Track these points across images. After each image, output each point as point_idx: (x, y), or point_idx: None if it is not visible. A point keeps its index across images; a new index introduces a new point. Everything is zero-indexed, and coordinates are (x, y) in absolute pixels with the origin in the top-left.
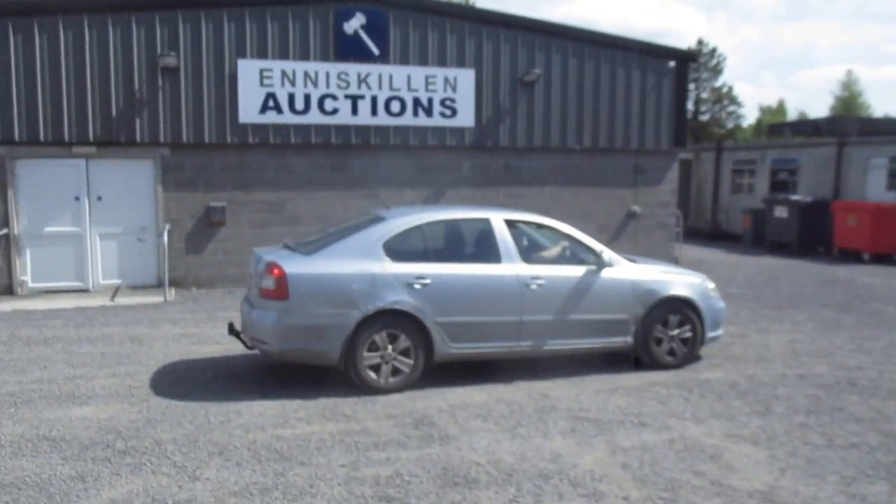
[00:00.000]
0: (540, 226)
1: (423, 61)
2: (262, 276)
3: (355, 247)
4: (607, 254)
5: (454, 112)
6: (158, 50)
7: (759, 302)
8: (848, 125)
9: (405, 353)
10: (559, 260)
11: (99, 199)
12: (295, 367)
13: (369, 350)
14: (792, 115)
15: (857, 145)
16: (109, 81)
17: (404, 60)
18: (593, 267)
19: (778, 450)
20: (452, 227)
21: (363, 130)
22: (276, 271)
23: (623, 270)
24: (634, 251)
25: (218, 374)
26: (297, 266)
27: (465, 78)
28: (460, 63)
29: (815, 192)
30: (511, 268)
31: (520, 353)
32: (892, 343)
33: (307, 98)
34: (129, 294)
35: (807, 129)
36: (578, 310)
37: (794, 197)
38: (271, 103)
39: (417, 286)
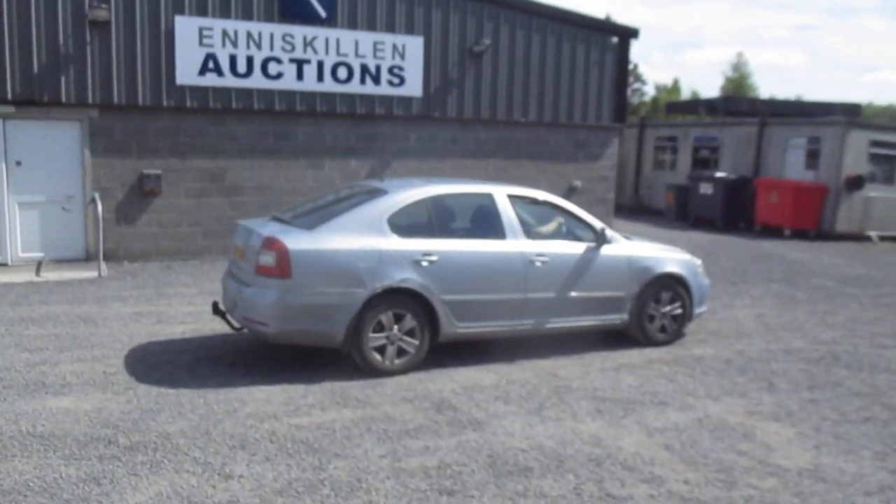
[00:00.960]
0: (540, 201)
1: (371, 26)
2: (260, 252)
3: (360, 221)
4: (608, 231)
5: (402, 80)
6: (87, 0)
7: (710, 277)
8: (740, 104)
9: (410, 333)
10: (559, 236)
11: (18, 164)
12: (283, 348)
13: (375, 331)
14: (685, 94)
15: (778, 125)
16: (31, 34)
17: (352, 25)
18: (593, 244)
19: (802, 426)
20: (456, 201)
21: (308, 97)
22: (277, 247)
23: (621, 247)
24: None
25: (199, 356)
26: (299, 241)
27: (414, 46)
28: (409, 30)
29: (736, 169)
30: (516, 244)
31: (522, 331)
32: (850, 317)
33: (250, 60)
34: (56, 269)
35: (698, 107)
36: (579, 287)
37: (719, 174)
38: (211, 65)
39: (424, 263)
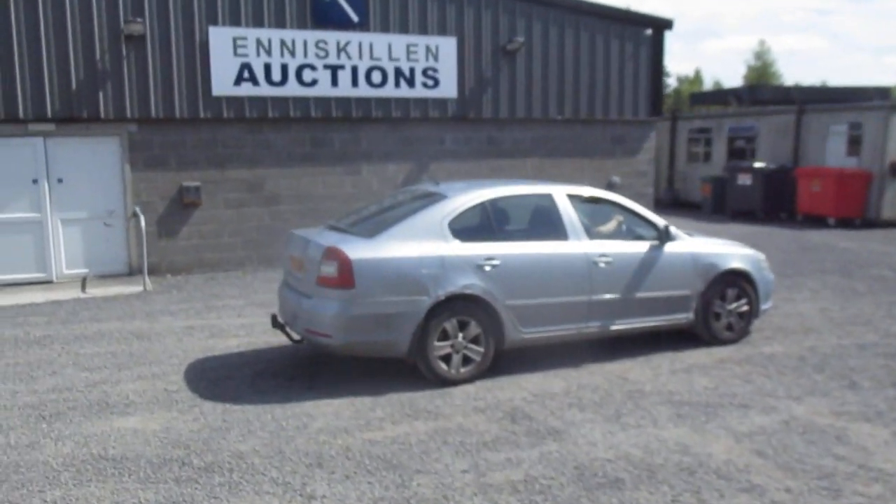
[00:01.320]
0: (599, 199)
1: (403, 29)
2: (321, 263)
3: (420, 227)
4: (672, 228)
5: (436, 82)
6: (122, 15)
7: None
8: (765, 93)
9: (475, 340)
10: (619, 235)
11: (60, 181)
12: (342, 360)
13: (439, 339)
14: (707, 84)
15: (817, 112)
16: (68, 51)
17: (384, 28)
18: (656, 242)
19: (895, 426)
20: (515, 203)
21: (344, 102)
22: (339, 257)
23: (684, 245)
24: None
25: (258, 370)
26: (361, 250)
27: (447, 46)
28: (442, 31)
29: (774, 159)
30: (578, 245)
31: (588, 334)
32: None
33: (284, 68)
34: (100, 284)
35: (725, 97)
36: (644, 287)
37: (758, 164)
38: (246, 74)
39: (487, 268)
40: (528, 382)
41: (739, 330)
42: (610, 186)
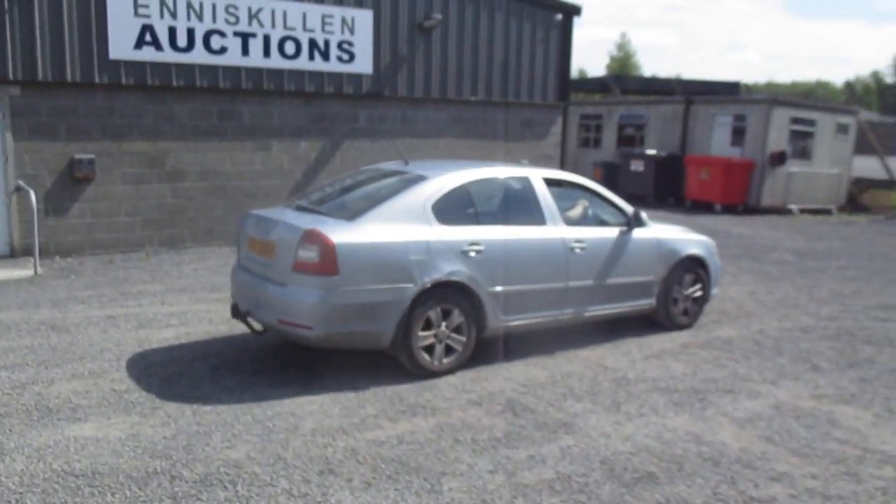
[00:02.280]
0: (571, 184)
1: None
2: (298, 247)
3: (404, 210)
4: (642, 213)
5: (352, 57)
6: None
7: None
8: (629, 82)
9: (457, 329)
10: (590, 220)
11: None
12: (303, 351)
13: (423, 329)
14: (573, 73)
15: (704, 104)
16: None
17: None
18: (625, 227)
19: (873, 408)
20: (495, 185)
21: (254, 73)
22: (322, 241)
23: (649, 231)
24: None
25: (213, 365)
26: (344, 234)
27: (364, 19)
28: (358, 3)
29: (662, 147)
30: (556, 231)
31: (563, 321)
32: (833, 292)
33: (191, 33)
34: None
35: (594, 85)
36: (615, 273)
37: (650, 151)
38: (148, 37)
39: (472, 254)
40: (510, 372)
41: (694, 314)
42: None
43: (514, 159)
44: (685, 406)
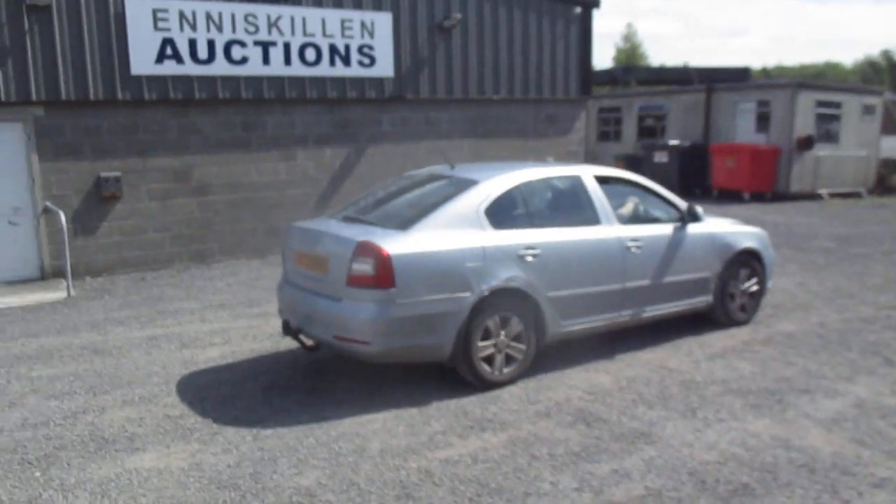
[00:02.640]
0: (622, 180)
1: (337, 3)
2: (353, 260)
3: (456, 216)
4: (697, 208)
5: (373, 61)
6: None
7: None
8: (639, 73)
9: (517, 338)
10: (645, 218)
11: None
12: (356, 367)
13: (482, 339)
14: None
15: (726, 91)
16: None
17: (317, 1)
18: (679, 223)
19: None
20: (547, 186)
21: (276, 82)
22: (376, 253)
23: (703, 226)
24: None
25: (265, 384)
26: (398, 245)
27: (383, 22)
28: (377, 6)
29: (684, 137)
30: (611, 230)
31: (620, 323)
32: (886, 279)
33: (211, 44)
34: (11, 292)
35: (603, 78)
36: (671, 271)
37: (672, 142)
38: (169, 51)
39: (529, 258)
40: (572, 379)
41: (751, 310)
42: None
43: (539, 157)
44: (763, 409)
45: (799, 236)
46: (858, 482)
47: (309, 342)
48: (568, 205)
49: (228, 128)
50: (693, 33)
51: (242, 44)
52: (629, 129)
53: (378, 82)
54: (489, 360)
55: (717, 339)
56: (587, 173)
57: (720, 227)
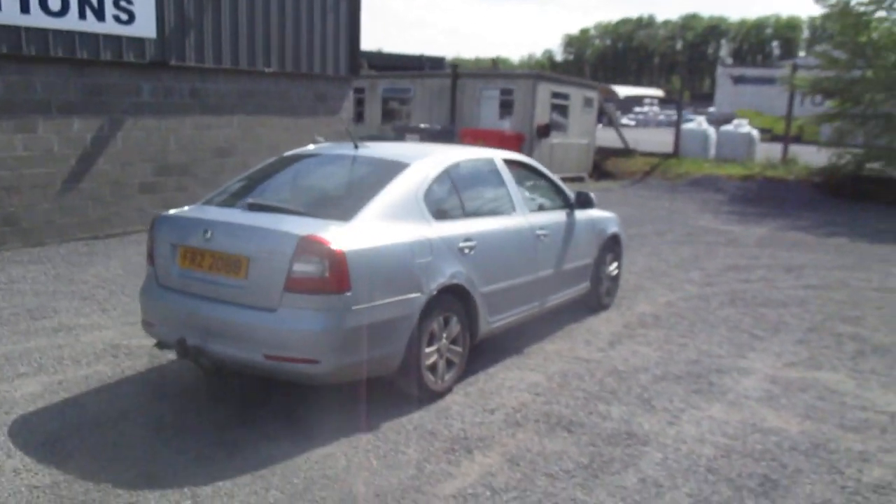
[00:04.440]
0: (522, 165)
1: None
2: (294, 259)
3: (398, 203)
4: (588, 195)
5: (131, 17)
6: None
7: None
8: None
9: (454, 340)
10: (544, 206)
11: None
12: (240, 386)
13: (427, 344)
14: None
15: (471, 78)
16: None
17: None
18: (569, 210)
19: (844, 370)
20: (469, 170)
21: (10, 33)
22: (329, 250)
23: (584, 212)
24: None
25: (147, 424)
26: (348, 239)
27: None
28: None
29: (430, 120)
30: (524, 219)
31: (533, 315)
32: (680, 258)
33: None
34: None
35: None
36: (567, 259)
37: (424, 125)
38: None
39: (466, 251)
40: (505, 380)
41: (612, 293)
42: None
43: (308, 137)
44: (704, 393)
45: None
46: (847, 458)
47: (206, 362)
48: (490, 192)
49: None
50: (378, 23)
51: None
52: (373, 111)
53: (138, 43)
54: (433, 367)
55: (597, 325)
56: (498, 157)
57: (595, 212)
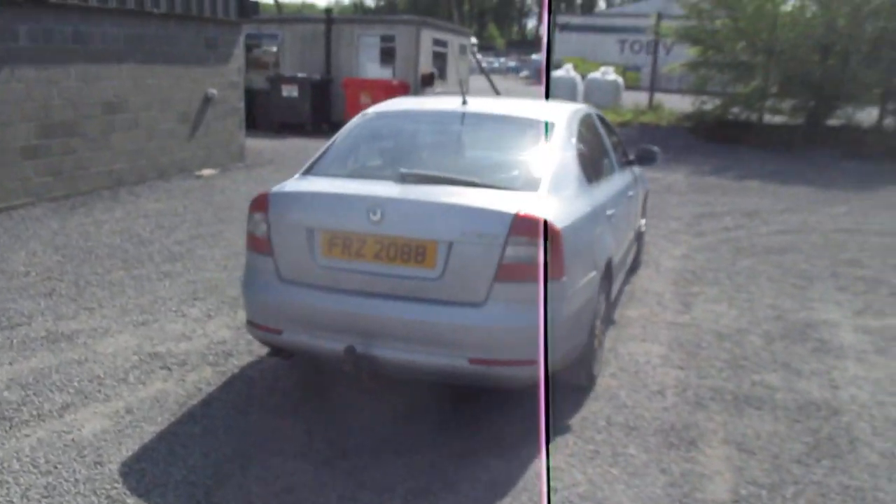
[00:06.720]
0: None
1: None
2: (508, 243)
3: (567, 170)
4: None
5: None
6: None
7: None
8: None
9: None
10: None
11: None
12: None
13: None
14: None
15: (348, 24)
16: None
17: None
18: (630, 166)
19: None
20: (589, 126)
21: None
22: (551, 228)
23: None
24: (213, 143)
25: (300, 445)
26: (558, 215)
27: None
28: None
29: (302, 69)
30: (621, 179)
31: (622, 283)
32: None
33: None
34: None
35: None
36: (636, 221)
37: (302, 75)
38: None
39: (612, 219)
40: (636, 355)
41: (642, 250)
42: (207, 101)
43: (201, 88)
44: (825, 351)
45: None
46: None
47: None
48: (599, 150)
49: None
50: None
51: None
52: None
53: None
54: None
55: (647, 284)
56: (594, 110)
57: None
